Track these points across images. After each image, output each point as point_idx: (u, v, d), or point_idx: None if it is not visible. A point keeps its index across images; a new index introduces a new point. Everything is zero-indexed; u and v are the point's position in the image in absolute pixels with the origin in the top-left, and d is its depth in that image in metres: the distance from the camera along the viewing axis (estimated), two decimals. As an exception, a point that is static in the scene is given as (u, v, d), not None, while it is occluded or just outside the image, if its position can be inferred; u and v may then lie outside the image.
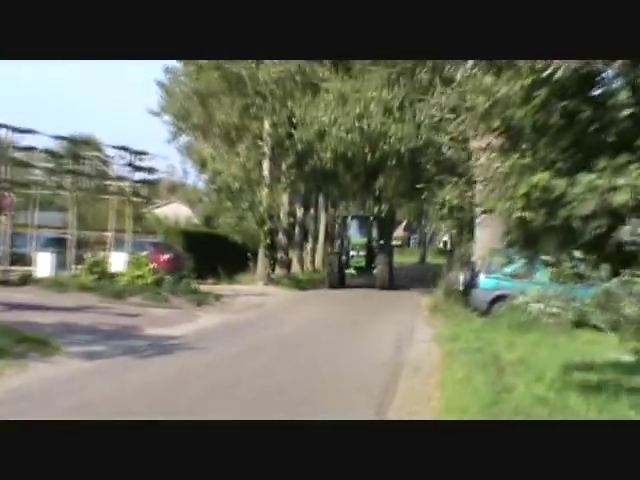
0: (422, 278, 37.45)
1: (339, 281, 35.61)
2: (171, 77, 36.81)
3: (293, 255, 42.31)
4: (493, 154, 11.79)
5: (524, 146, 11.03)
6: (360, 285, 35.72)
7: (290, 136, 34.23)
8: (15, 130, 26.32)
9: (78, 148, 30.45)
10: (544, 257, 10.79)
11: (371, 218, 39.30)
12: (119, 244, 30.28)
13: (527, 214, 9.85)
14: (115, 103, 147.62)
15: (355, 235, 37.31)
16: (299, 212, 43.28)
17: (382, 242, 37.29)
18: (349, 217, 39.80)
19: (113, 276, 26.12)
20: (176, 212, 62.89)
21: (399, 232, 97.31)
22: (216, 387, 11.77)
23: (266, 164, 35.97)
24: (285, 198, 37.93)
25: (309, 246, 47.86)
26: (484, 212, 10.92)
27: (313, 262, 47.62)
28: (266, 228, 35.67)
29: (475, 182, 11.44)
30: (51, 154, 29.69)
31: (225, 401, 10.76)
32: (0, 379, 11.30)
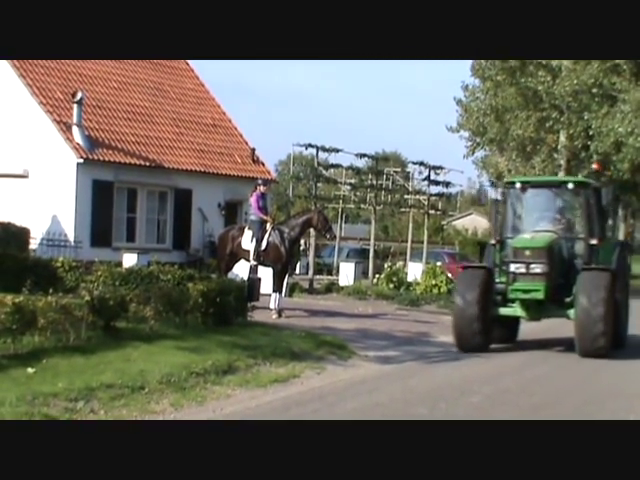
0: None
1: (482, 335, 15.95)
2: (468, 95, 37.75)
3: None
4: None
5: None
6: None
7: (586, 148, 34.03)
8: (323, 149, 28.04)
9: (379, 164, 32.01)
10: None
11: (569, 186, 17.17)
12: (416, 254, 31.66)
13: None
14: (415, 122, 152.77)
15: (530, 225, 17.19)
16: (596, 223, 42.20)
17: (593, 241, 16.71)
18: (516, 185, 17.34)
19: (409, 285, 27.04)
20: (475, 224, 63.88)
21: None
22: (498, 392, 11.94)
23: (561, 176, 35.79)
24: (580, 209, 37.29)
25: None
26: None
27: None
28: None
29: None
30: (355, 171, 31.47)
31: (505, 406, 10.96)
32: (301, 380, 12.15)
